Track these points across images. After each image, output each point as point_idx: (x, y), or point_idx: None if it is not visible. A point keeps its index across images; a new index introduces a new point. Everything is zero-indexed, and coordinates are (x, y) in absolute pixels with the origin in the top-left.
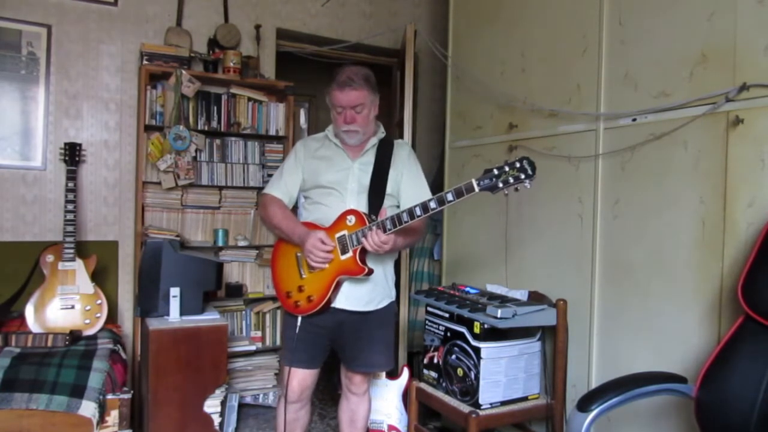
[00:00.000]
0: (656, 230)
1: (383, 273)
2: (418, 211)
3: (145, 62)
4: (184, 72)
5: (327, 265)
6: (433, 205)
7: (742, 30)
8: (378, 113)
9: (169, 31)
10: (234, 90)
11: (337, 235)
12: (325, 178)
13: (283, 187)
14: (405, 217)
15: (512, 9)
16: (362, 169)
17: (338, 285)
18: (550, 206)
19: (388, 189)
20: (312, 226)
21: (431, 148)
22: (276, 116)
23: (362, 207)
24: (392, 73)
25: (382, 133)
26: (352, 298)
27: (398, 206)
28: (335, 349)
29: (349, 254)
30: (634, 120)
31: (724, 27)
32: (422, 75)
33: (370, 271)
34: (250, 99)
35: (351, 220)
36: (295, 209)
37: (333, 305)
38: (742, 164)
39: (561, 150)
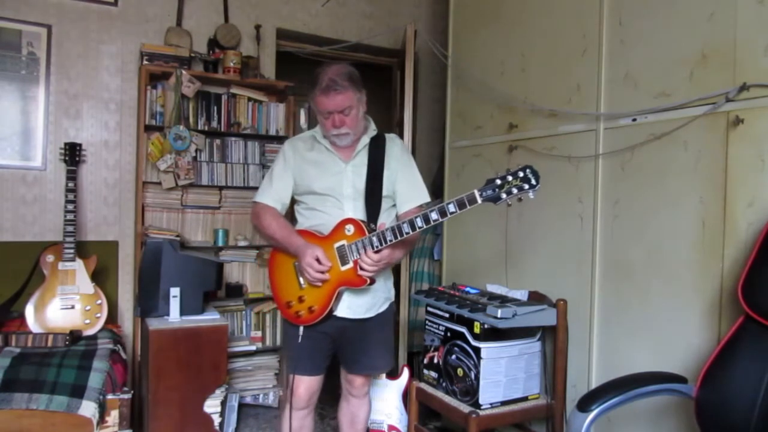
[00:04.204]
0: (656, 230)
1: (382, 278)
2: (419, 222)
3: (145, 62)
4: (184, 72)
5: (321, 284)
6: (434, 216)
7: (742, 30)
8: (366, 109)
9: (169, 31)
10: (234, 90)
11: (336, 245)
12: (319, 184)
13: (274, 195)
14: (406, 228)
15: (512, 9)
16: (356, 172)
17: (339, 295)
18: (550, 206)
19: (384, 191)
20: (309, 235)
21: (431, 148)
22: (276, 116)
23: (359, 213)
24: (392, 73)
25: (373, 130)
26: (354, 306)
27: (395, 206)
28: (336, 352)
29: (350, 265)
30: (634, 120)
31: (724, 27)
32: (422, 75)
33: (372, 282)
34: (250, 99)
35: (350, 229)
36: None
37: (334, 314)
38: (742, 164)
39: (561, 150)
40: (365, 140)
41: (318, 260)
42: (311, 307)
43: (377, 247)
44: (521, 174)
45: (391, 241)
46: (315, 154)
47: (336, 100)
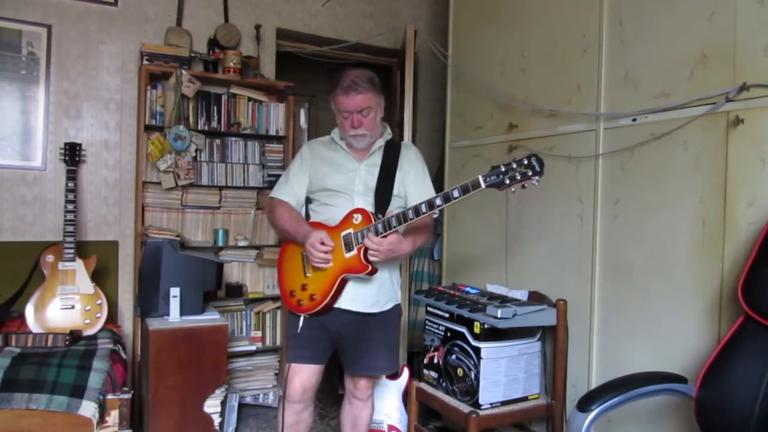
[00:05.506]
0: (656, 230)
1: (389, 275)
2: (423, 208)
3: (145, 62)
4: (184, 72)
5: (326, 266)
6: (438, 201)
7: (742, 30)
8: (384, 115)
9: (169, 31)
10: (234, 90)
11: (343, 233)
12: (332, 180)
13: (289, 190)
14: (410, 214)
15: (512, 9)
16: (369, 171)
17: (342, 284)
18: (550, 206)
19: (395, 190)
20: (319, 226)
21: (431, 148)
22: (276, 116)
23: (369, 208)
24: (392, 73)
25: (389, 134)
26: (358, 298)
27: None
28: (338, 352)
29: (354, 252)
30: (634, 120)
31: (724, 27)
32: (422, 75)
33: (374, 270)
34: (250, 99)
35: (357, 218)
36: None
37: (338, 306)
38: (742, 164)
39: (561, 150)
40: (380, 142)
41: (322, 241)
42: (313, 295)
43: (382, 233)
44: (526, 161)
45: (395, 227)
46: (330, 153)
47: (356, 100)
